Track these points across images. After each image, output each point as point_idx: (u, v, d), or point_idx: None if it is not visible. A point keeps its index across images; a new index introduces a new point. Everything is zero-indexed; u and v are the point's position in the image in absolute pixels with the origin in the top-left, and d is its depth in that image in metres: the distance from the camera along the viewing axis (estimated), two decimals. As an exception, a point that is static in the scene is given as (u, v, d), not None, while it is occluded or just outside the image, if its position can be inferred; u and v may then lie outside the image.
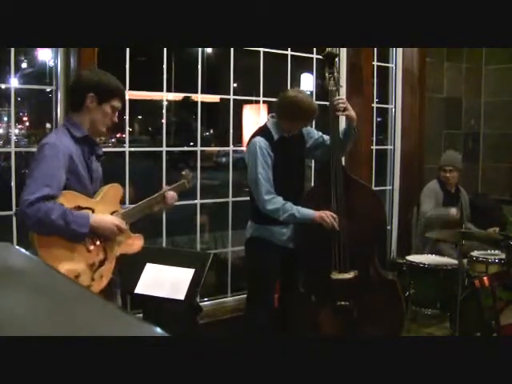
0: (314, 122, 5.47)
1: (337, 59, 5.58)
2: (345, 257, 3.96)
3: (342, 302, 3.99)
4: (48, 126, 5.00)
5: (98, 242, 2.81)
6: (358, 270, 3.99)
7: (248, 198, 4.12)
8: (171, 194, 3.27)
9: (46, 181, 2.61)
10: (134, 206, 3.07)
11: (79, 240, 2.72)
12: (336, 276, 3.96)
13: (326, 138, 4.10)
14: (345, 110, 3.94)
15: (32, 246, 2.59)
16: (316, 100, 5.43)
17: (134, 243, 3.01)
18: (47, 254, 2.60)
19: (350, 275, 3.97)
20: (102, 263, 2.82)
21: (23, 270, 1.05)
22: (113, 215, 2.91)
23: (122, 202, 3.12)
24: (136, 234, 3.05)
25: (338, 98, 3.99)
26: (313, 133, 4.16)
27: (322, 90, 4.54)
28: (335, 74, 4.06)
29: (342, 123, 4.21)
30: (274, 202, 3.76)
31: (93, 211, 2.78)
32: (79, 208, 2.72)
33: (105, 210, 2.87)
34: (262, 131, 3.94)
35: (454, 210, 5.24)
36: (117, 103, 2.93)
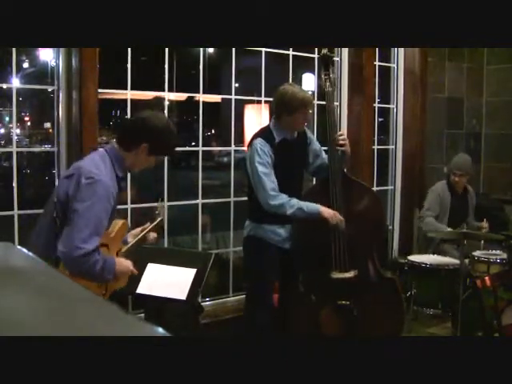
0: (315, 127, 5.47)
1: (338, 59, 5.66)
2: (345, 256, 3.96)
3: (343, 301, 4.00)
4: (47, 125, 5.00)
5: None
6: (358, 269, 4.00)
7: (249, 198, 4.13)
8: (152, 235, 3.31)
9: (98, 229, 2.67)
10: (129, 245, 3.11)
11: (101, 282, 2.80)
12: (336, 275, 3.97)
13: (325, 156, 4.13)
14: (342, 146, 3.97)
15: None
16: (317, 100, 5.44)
17: (126, 279, 3.05)
18: None
19: (350, 274, 3.98)
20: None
21: (24, 270, 1.05)
22: (118, 253, 2.98)
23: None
24: None
25: (338, 133, 4.05)
26: (314, 144, 4.17)
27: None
28: (331, 75, 4.10)
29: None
30: (280, 197, 3.77)
31: (108, 247, 2.85)
32: (101, 245, 2.75)
33: (115, 247, 2.96)
34: (264, 133, 3.95)
35: (450, 230, 5.24)
36: (163, 157, 3.03)
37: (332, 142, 4.00)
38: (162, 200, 3.53)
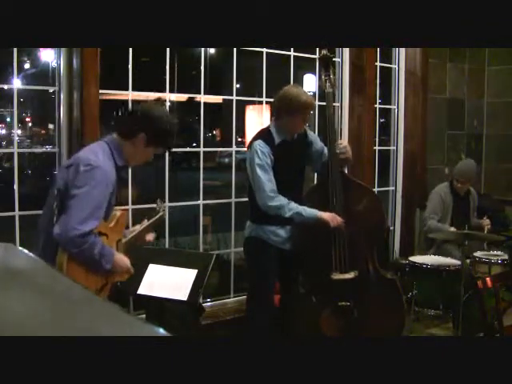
0: (316, 130, 5.48)
1: (339, 60, 5.66)
2: (345, 257, 3.96)
3: (343, 302, 4.00)
4: (51, 126, 5.01)
5: None
6: (358, 270, 4.00)
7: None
8: (151, 235, 3.32)
9: (97, 212, 2.68)
10: (129, 237, 3.14)
11: (98, 271, 2.80)
12: (336, 276, 3.97)
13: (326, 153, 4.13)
14: (344, 153, 3.99)
15: (58, 265, 2.63)
16: (318, 101, 5.44)
17: (124, 275, 3.06)
18: (71, 275, 2.66)
19: (350, 275, 3.98)
20: (102, 288, 2.89)
21: (25, 270, 1.05)
22: (118, 244, 2.99)
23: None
24: None
25: (339, 142, 4.05)
26: (316, 143, 4.16)
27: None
28: (331, 76, 4.11)
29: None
30: (279, 199, 3.77)
31: (107, 237, 2.86)
32: (100, 233, 2.78)
33: (114, 237, 2.96)
34: (264, 134, 3.94)
35: (454, 230, 5.23)
36: (161, 150, 3.01)
37: (333, 152, 3.99)
38: (163, 201, 3.54)
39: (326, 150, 4.10)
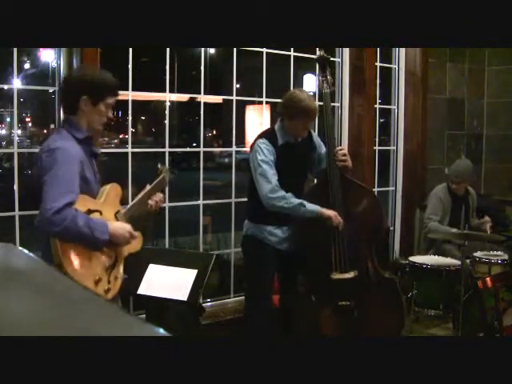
0: (317, 127, 5.47)
1: (339, 60, 5.66)
2: (344, 257, 3.96)
3: (343, 302, 4.00)
4: (52, 126, 5.01)
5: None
6: (358, 270, 4.00)
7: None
8: (158, 196, 3.25)
9: (69, 187, 2.64)
10: (130, 205, 3.08)
11: (99, 248, 2.74)
12: (336, 276, 3.97)
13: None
14: (343, 161, 3.97)
15: (54, 253, 2.59)
16: (318, 101, 5.44)
17: (136, 242, 3.01)
18: (70, 259, 2.63)
19: (350, 275, 3.97)
20: (113, 265, 2.85)
21: (25, 270, 1.05)
22: (116, 216, 2.93)
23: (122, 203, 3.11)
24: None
25: (338, 149, 4.04)
26: (321, 147, 4.16)
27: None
28: (328, 77, 4.12)
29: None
30: (282, 191, 3.76)
31: (100, 213, 2.81)
32: (90, 211, 2.74)
33: (110, 211, 2.90)
34: (268, 134, 3.96)
35: (455, 231, 5.21)
36: (111, 100, 2.93)
37: (332, 160, 3.99)
38: (164, 164, 3.50)
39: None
